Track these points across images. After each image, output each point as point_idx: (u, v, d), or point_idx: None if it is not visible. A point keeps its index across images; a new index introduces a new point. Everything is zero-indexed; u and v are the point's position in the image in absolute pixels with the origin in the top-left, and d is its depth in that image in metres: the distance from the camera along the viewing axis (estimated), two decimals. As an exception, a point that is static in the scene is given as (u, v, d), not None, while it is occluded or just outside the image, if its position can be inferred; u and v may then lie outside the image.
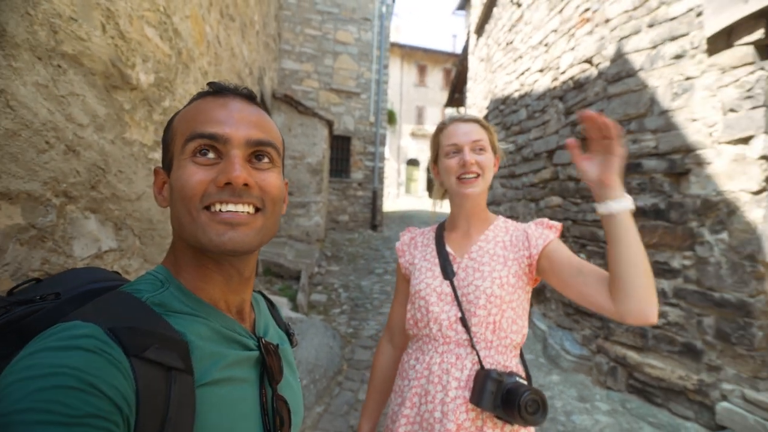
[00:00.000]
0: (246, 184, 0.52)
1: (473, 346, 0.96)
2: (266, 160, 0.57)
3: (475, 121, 1.08)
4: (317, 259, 6.42)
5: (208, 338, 0.52)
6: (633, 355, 2.91)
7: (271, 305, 0.76)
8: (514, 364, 1.00)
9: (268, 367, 0.58)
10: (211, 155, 0.53)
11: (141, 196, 1.51)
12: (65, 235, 1.12)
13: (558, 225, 1.05)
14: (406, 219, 12.18)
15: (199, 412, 0.46)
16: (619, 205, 0.77)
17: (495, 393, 0.89)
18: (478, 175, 1.03)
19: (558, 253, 0.97)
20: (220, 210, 0.52)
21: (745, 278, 2.30)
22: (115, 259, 1.37)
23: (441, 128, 1.11)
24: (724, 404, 2.34)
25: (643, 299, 0.76)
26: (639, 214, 2.93)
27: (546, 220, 1.07)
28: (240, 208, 0.52)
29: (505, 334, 0.99)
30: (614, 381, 3.04)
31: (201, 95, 0.59)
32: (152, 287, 0.52)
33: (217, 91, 0.58)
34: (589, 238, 3.43)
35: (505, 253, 1.04)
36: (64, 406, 0.34)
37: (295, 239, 6.93)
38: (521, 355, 1.07)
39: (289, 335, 0.74)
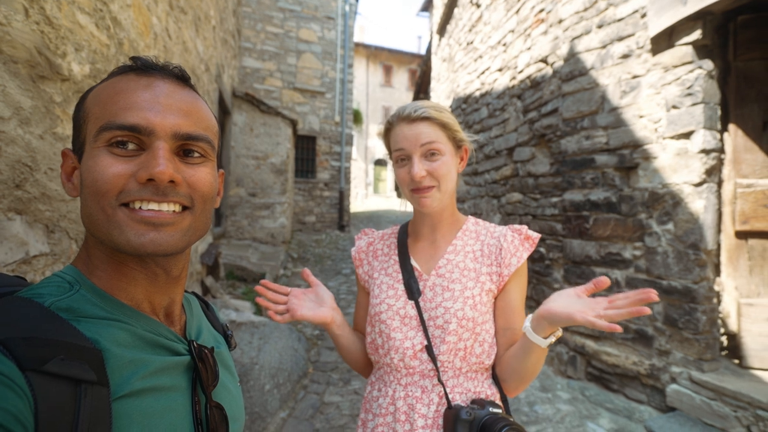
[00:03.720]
0: (172, 181, 0.48)
1: (439, 379, 0.86)
2: (196, 155, 0.52)
3: (426, 119, 0.89)
4: (283, 261, 6.29)
5: (128, 344, 0.47)
6: (591, 344, 3.02)
7: (206, 306, 0.71)
8: (486, 387, 0.91)
9: (200, 373, 0.53)
10: (130, 146, 0.47)
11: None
12: (-16, 238, 1.02)
13: (535, 238, 0.95)
14: (375, 219, 12.17)
15: (117, 427, 0.42)
16: (548, 341, 0.81)
17: None
18: (433, 186, 0.89)
19: (511, 293, 0.92)
20: (140, 208, 0.47)
21: (690, 266, 2.43)
22: (47, 264, 1.26)
23: (387, 128, 0.95)
24: (674, 386, 2.47)
25: (518, 390, 0.92)
26: (593, 207, 3.04)
27: (524, 229, 0.95)
28: (164, 207, 0.48)
29: (477, 359, 0.89)
30: (574, 370, 3.15)
31: (122, 70, 0.51)
32: (58, 290, 0.46)
33: (141, 67, 0.51)
34: (548, 232, 3.54)
35: (476, 266, 0.93)
36: None
37: (260, 241, 6.75)
38: (494, 374, 0.98)
39: (227, 337, 0.70)
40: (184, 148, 0.51)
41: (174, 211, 0.49)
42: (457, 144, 0.94)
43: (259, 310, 4.15)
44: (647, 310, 0.67)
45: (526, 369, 0.85)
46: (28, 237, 1.17)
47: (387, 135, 0.96)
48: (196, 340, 0.58)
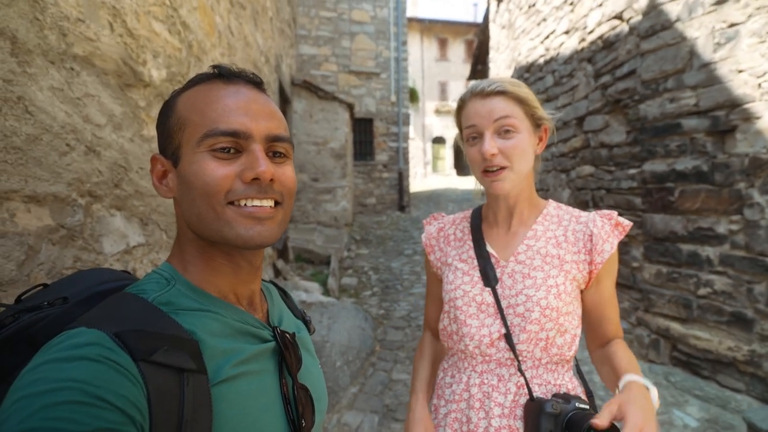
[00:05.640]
0: (272, 179, 0.52)
1: (520, 369, 0.83)
2: (281, 154, 0.57)
3: (500, 93, 0.83)
4: (346, 243, 6.49)
5: (221, 334, 0.51)
6: (676, 327, 2.78)
7: (285, 294, 0.75)
8: (567, 380, 0.86)
9: (285, 357, 0.57)
10: (232, 150, 0.52)
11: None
12: (94, 233, 1.16)
13: (626, 225, 0.88)
14: (434, 198, 12.06)
15: (217, 410, 0.46)
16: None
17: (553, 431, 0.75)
18: (505, 167, 0.83)
19: (603, 282, 0.87)
20: (245, 205, 0.52)
21: (802, 241, 2.12)
22: (144, 253, 1.41)
23: (460, 105, 0.90)
24: (779, 375, 2.21)
25: None
26: (678, 178, 2.75)
27: (614, 215, 0.88)
28: (265, 202, 0.53)
29: (558, 350, 0.84)
30: (657, 354, 2.93)
31: (206, 78, 0.56)
32: (158, 286, 0.52)
33: (225, 75, 0.56)
34: (625, 207, 3.27)
35: (560, 252, 0.87)
36: (72, 423, 0.34)
37: (324, 225, 7.01)
38: (576, 364, 0.93)
39: (306, 322, 0.73)
40: (272, 149, 0.55)
41: (270, 206, 0.54)
42: (536, 122, 0.88)
43: (327, 291, 4.34)
44: None
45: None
46: (127, 230, 1.32)
47: (459, 113, 0.91)
48: (278, 326, 0.62)
